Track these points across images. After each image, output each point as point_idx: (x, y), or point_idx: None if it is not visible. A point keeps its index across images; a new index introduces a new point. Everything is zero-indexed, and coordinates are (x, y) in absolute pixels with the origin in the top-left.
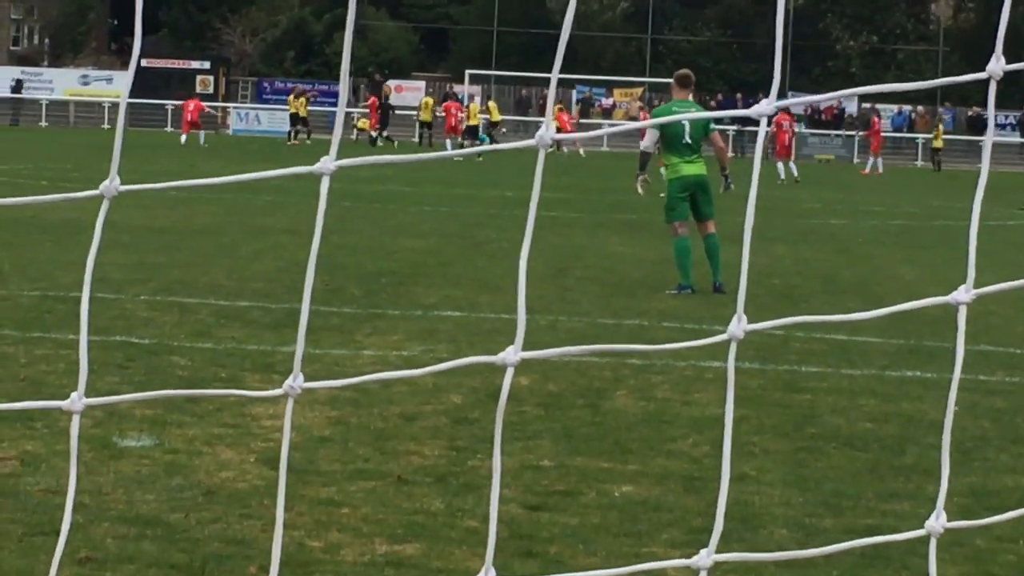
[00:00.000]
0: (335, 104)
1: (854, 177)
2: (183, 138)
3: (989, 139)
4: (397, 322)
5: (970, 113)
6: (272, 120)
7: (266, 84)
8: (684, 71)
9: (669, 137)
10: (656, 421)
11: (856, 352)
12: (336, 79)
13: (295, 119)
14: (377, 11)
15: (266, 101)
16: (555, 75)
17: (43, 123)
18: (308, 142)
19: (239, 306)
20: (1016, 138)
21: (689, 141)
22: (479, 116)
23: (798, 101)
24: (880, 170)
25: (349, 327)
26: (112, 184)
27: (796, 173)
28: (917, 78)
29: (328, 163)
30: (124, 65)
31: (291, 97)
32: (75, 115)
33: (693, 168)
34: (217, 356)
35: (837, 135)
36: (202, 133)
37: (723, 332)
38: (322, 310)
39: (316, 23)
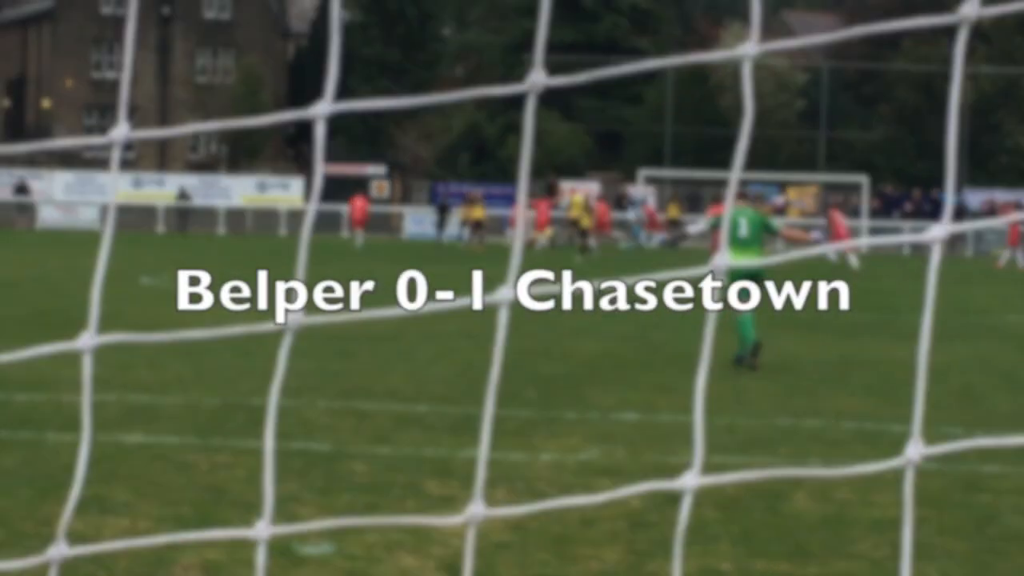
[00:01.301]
0: (510, 205)
1: None
2: (359, 238)
3: None
4: (574, 425)
5: None
6: (448, 223)
7: (441, 188)
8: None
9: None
10: (836, 523)
11: None
12: (511, 181)
13: (469, 223)
14: (550, 113)
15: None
16: (729, 204)
17: (220, 230)
18: (482, 245)
19: (417, 410)
20: None
21: (744, 235)
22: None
23: (971, 227)
24: (1020, 264)
25: (526, 431)
26: (297, 315)
27: (855, 264)
28: None
29: (507, 291)
30: (300, 171)
31: (464, 205)
32: (253, 222)
33: (744, 258)
34: (395, 461)
35: None
36: (360, 233)
37: (903, 431)
38: (499, 414)
39: (490, 126)
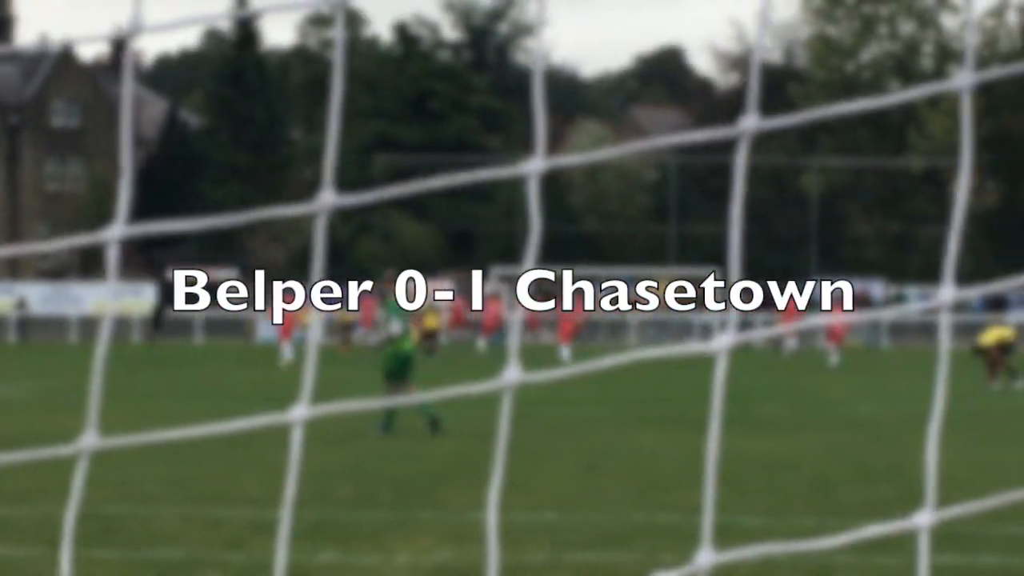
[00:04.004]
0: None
1: (881, 362)
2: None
3: None
4: (428, 526)
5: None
6: (305, 327)
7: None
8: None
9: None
10: None
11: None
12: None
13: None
14: (401, 212)
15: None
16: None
17: (72, 338)
18: (349, 348)
19: (271, 516)
20: None
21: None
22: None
23: (753, 336)
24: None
25: (380, 533)
26: (88, 441)
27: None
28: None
29: (300, 409)
30: (153, 276)
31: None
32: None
33: (397, 344)
34: (250, 569)
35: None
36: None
37: (755, 523)
38: (353, 517)
39: (342, 227)
